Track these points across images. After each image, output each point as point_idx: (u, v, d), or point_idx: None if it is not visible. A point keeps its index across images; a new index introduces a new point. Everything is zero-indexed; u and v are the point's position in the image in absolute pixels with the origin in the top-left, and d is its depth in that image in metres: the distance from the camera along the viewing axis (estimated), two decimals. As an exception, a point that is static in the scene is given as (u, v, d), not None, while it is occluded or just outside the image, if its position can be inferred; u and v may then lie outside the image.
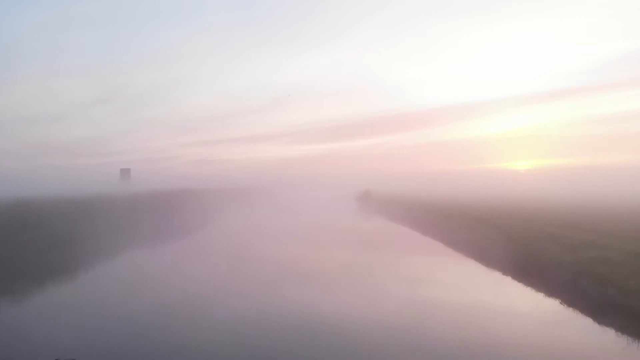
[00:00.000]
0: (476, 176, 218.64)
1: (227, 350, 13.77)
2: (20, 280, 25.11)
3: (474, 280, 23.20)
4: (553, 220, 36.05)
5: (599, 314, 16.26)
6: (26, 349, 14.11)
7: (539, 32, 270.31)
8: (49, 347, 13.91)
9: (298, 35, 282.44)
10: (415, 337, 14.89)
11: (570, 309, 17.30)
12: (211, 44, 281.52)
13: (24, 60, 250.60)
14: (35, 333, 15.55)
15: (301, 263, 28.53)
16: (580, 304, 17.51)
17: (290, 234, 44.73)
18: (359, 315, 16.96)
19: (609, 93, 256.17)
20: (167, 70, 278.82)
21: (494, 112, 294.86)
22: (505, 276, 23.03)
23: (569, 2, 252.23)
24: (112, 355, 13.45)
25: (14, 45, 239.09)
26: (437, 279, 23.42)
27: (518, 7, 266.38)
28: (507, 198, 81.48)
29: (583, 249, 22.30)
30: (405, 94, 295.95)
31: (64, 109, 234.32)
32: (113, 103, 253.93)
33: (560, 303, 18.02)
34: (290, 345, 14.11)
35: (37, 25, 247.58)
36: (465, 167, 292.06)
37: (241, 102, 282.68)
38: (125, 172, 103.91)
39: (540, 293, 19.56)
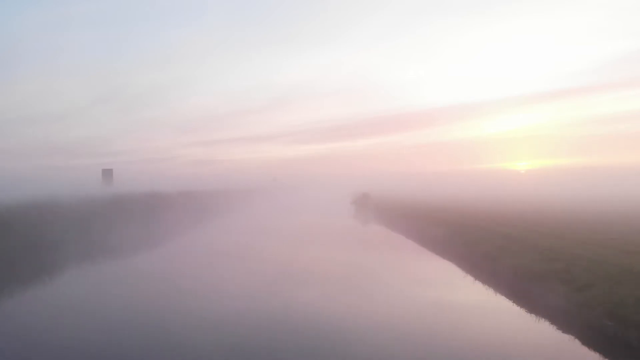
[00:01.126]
0: (477, 176, 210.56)
1: None
2: None
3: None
4: (602, 238, 27.11)
5: None
6: None
7: (539, 32, 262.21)
8: None
9: (298, 35, 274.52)
10: None
11: None
12: (211, 44, 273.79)
13: (24, 60, 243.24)
14: None
15: (264, 306, 19.67)
16: None
17: (268, 252, 35.80)
18: None
19: (609, 93, 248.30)
20: (167, 70, 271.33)
21: (494, 112, 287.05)
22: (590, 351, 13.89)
23: (569, 2, 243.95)
24: None
25: (14, 45, 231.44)
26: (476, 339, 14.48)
27: (518, 7, 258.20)
28: (517, 201, 72.85)
29: None
30: (405, 94, 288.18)
31: (64, 109, 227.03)
32: (113, 103, 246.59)
33: None
34: None
35: (37, 25, 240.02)
36: (466, 167, 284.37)
37: (241, 102, 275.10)
38: (107, 173, 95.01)
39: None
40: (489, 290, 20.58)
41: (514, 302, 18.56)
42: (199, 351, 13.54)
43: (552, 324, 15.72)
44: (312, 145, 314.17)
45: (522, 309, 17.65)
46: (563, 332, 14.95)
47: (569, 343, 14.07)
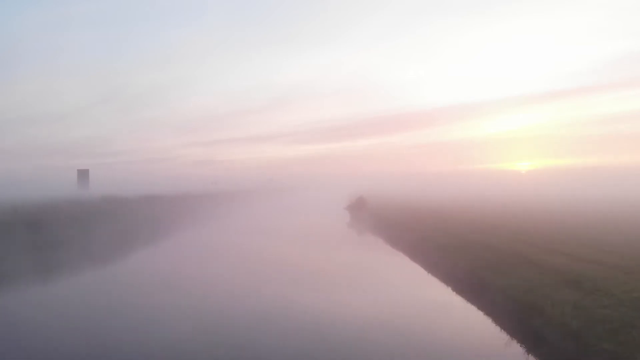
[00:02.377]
0: (477, 177, 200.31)
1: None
2: None
3: None
4: None
5: None
6: None
7: (539, 32, 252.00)
8: None
9: (298, 35, 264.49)
10: None
11: None
12: (211, 44, 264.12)
13: (24, 60, 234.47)
14: None
15: None
16: None
17: (224, 282, 25.08)
18: None
19: (609, 93, 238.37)
20: (167, 70, 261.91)
21: (494, 112, 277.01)
22: None
23: (569, 2, 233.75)
24: None
25: (14, 45, 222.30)
26: None
27: (518, 7, 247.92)
28: (531, 204, 62.66)
29: None
30: (405, 94, 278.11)
31: (64, 109, 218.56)
32: (113, 103, 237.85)
33: None
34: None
35: (37, 25, 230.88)
36: (466, 167, 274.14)
37: (241, 102, 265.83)
38: (83, 174, 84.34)
39: None
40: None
41: None
42: None
43: None
44: (312, 145, 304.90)
45: None
46: None
47: None
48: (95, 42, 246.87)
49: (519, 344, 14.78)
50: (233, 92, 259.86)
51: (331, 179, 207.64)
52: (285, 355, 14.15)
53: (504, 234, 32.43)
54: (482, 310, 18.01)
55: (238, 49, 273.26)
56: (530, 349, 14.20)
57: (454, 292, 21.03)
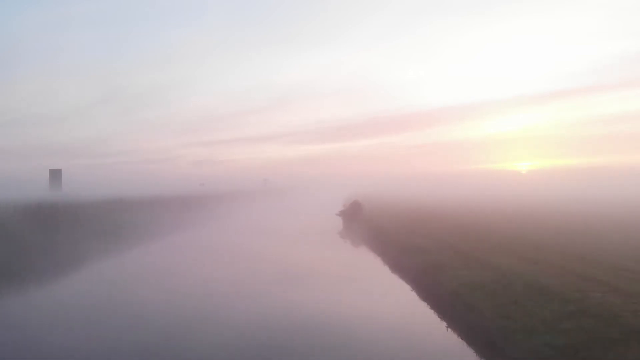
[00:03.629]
0: (478, 177, 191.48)
1: None
2: None
3: None
4: None
5: None
6: None
7: (539, 32, 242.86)
8: None
9: (298, 35, 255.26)
10: None
11: None
12: (211, 44, 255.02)
13: (24, 60, 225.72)
14: None
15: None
16: None
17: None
18: None
19: (609, 93, 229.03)
20: (167, 70, 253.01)
21: (494, 112, 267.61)
22: None
23: (569, 2, 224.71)
24: None
25: (14, 45, 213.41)
26: None
27: (518, 7, 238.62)
28: (544, 207, 53.36)
29: None
30: (405, 94, 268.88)
31: (64, 109, 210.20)
32: (113, 103, 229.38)
33: None
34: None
35: (37, 25, 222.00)
36: (466, 167, 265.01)
37: (241, 102, 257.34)
38: (55, 174, 74.48)
39: None
40: None
41: None
42: None
43: None
44: (312, 146, 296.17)
45: None
46: None
47: None
48: (95, 42, 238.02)
49: None
50: (233, 92, 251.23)
51: (331, 179, 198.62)
52: None
53: (542, 259, 22.79)
54: None
55: (238, 49, 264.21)
56: None
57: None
